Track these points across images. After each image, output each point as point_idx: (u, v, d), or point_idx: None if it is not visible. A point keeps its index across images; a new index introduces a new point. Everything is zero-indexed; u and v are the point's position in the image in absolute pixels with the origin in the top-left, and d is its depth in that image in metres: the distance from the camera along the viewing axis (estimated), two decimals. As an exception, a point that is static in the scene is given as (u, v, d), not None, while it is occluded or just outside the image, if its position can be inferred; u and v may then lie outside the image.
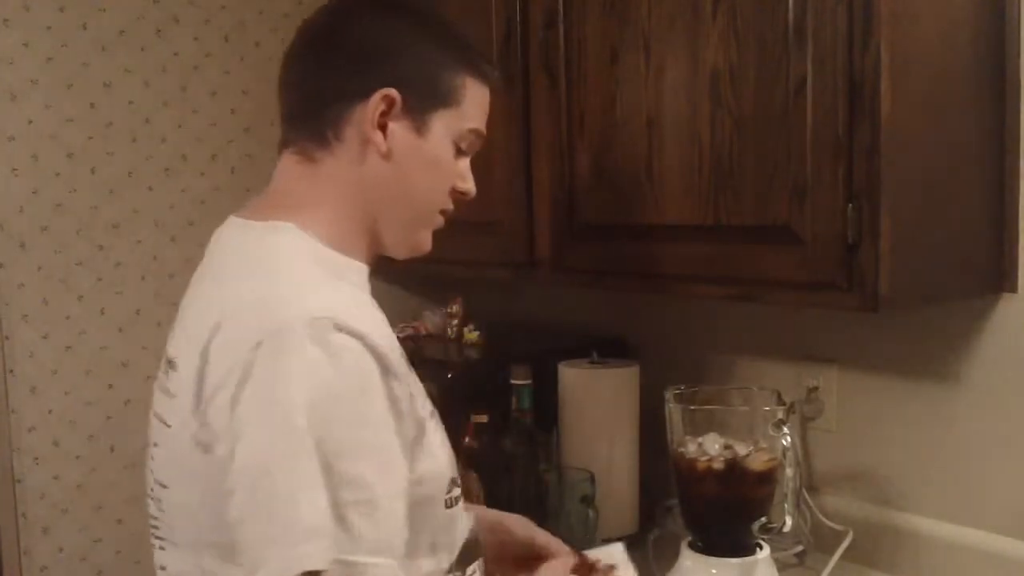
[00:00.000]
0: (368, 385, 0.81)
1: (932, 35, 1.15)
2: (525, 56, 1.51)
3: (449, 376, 1.66)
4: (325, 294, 0.87)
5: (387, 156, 0.94)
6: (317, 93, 0.96)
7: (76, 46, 2.02)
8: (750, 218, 1.20)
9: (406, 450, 0.84)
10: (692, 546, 1.29)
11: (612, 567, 1.11)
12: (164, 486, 0.89)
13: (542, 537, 1.13)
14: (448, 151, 0.98)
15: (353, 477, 0.78)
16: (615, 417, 1.61)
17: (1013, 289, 1.27)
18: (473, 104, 0.99)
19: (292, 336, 0.79)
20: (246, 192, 2.21)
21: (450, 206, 1.02)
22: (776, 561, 1.30)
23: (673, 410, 1.31)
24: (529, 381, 1.55)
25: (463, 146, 1.00)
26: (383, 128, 0.94)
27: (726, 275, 1.25)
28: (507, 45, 1.53)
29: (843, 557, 1.39)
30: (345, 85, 0.94)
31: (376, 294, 0.97)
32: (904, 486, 1.41)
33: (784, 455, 1.24)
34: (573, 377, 1.63)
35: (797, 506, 1.25)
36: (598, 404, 1.61)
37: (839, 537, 1.41)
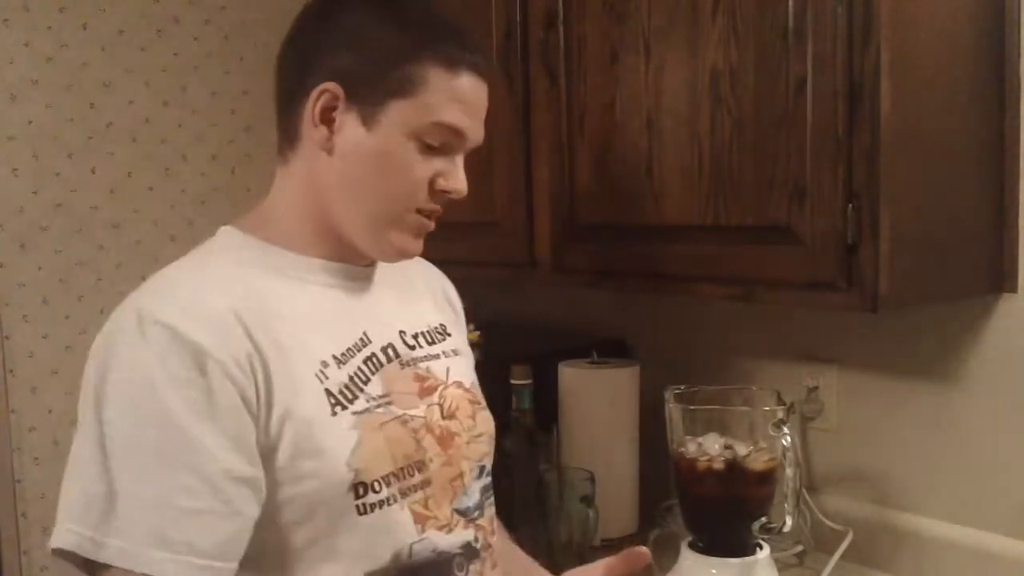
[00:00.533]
0: (166, 378, 0.81)
1: (932, 35, 1.15)
2: (525, 56, 1.51)
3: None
4: (167, 289, 0.89)
5: (331, 151, 0.94)
6: (281, 94, 0.99)
7: (76, 46, 2.02)
8: (750, 218, 1.20)
9: (233, 443, 0.83)
10: (692, 546, 1.29)
11: None
12: None
13: None
14: (402, 145, 0.92)
15: (120, 467, 0.81)
16: (615, 417, 1.61)
17: (1013, 289, 1.27)
18: (438, 94, 0.91)
19: (122, 331, 0.84)
20: (246, 192, 2.25)
21: (428, 205, 0.95)
22: (776, 561, 1.30)
23: (673, 410, 1.31)
24: (529, 381, 1.55)
25: (429, 140, 0.92)
26: (329, 123, 0.94)
27: (726, 275, 1.25)
28: (507, 45, 1.53)
29: (843, 557, 1.39)
30: (296, 84, 0.96)
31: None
32: (904, 486, 1.41)
33: (784, 455, 1.23)
34: (573, 377, 1.63)
35: (797, 506, 1.24)
36: (598, 404, 1.61)
37: (839, 537, 1.41)
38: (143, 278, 0.93)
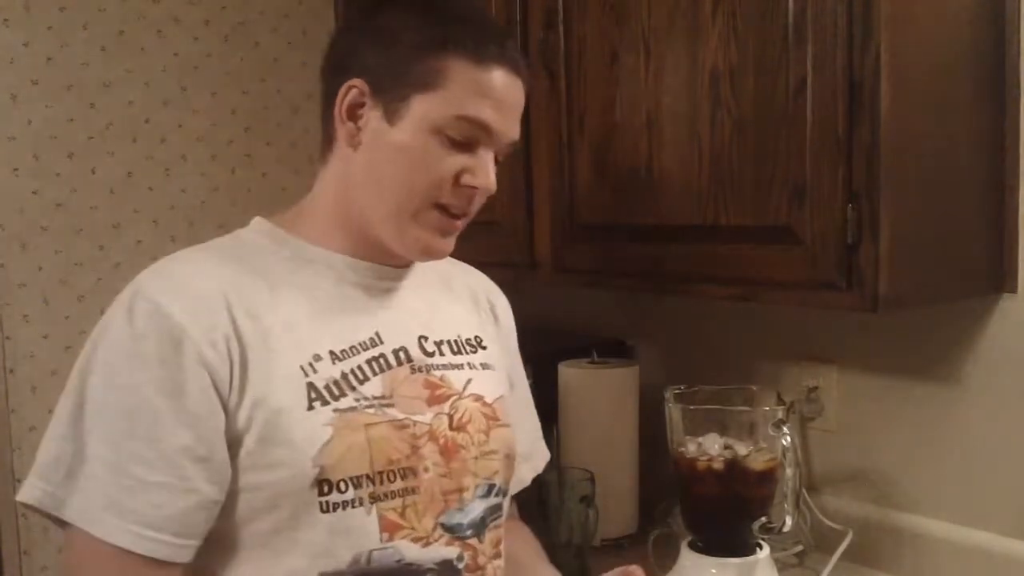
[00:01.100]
0: (142, 351, 0.85)
1: (932, 35, 1.15)
2: (525, 56, 1.51)
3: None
4: (166, 268, 0.93)
5: (357, 146, 0.95)
6: (323, 97, 0.99)
7: (76, 46, 2.02)
8: (750, 218, 1.20)
9: (196, 422, 0.85)
10: (692, 546, 1.29)
11: None
12: None
13: None
14: (425, 139, 0.92)
15: (91, 431, 0.85)
16: (615, 417, 1.61)
17: (1013, 289, 1.27)
18: (461, 87, 0.91)
19: (119, 304, 0.89)
20: (247, 192, 2.25)
21: (452, 201, 0.95)
22: (776, 561, 1.30)
23: (673, 410, 1.31)
24: (529, 381, 1.54)
25: (452, 135, 0.92)
26: (356, 119, 0.95)
27: (726, 275, 1.25)
28: (507, 45, 1.53)
29: (843, 557, 1.39)
30: (332, 84, 0.97)
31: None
32: (904, 486, 1.41)
33: (784, 455, 1.24)
34: (573, 377, 1.63)
35: (797, 506, 1.25)
36: (598, 404, 1.61)
37: (839, 537, 1.41)
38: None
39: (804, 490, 1.44)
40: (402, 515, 0.92)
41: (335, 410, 0.90)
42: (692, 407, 1.31)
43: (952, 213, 1.20)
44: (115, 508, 0.84)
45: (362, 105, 0.94)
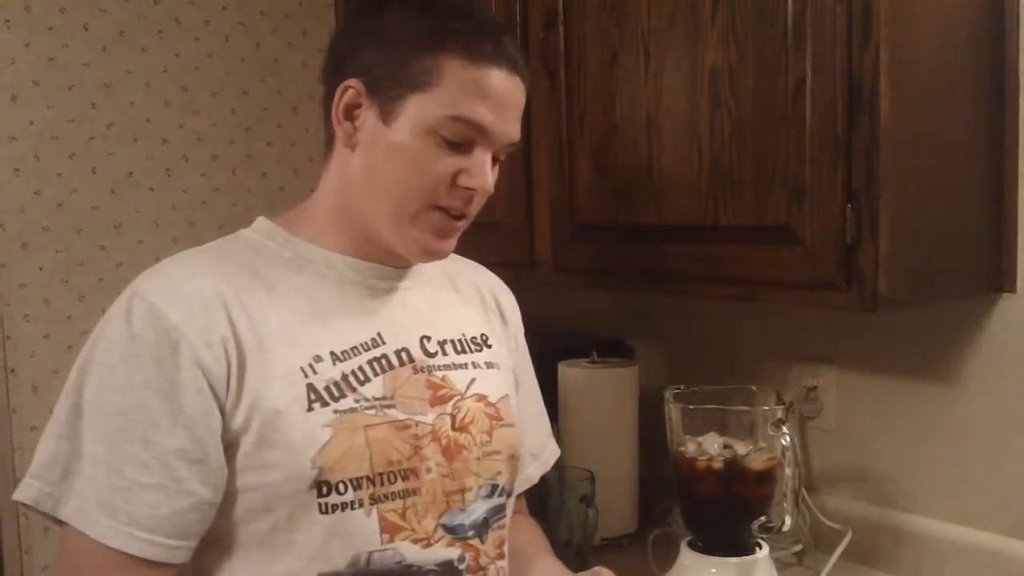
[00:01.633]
0: (139, 352, 0.85)
1: (931, 35, 1.15)
2: (525, 56, 1.51)
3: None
4: (165, 269, 0.93)
5: (354, 147, 0.96)
6: (323, 98, 1.00)
7: (77, 47, 2.02)
8: (749, 218, 1.21)
9: (191, 423, 0.85)
10: (692, 546, 1.29)
11: None
12: None
13: None
14: (419, 139, 0.91)
15: (87, 431, 0.85)
16: (615, 417, 1.61)
17: (1013, 289, 1.27)
18: (455, 87, 0.90)
19: (117, 305, 0.89)
20: (247, 192, 2.25)
21: (450, 203, 0.94)
22: (775, 560, 1.30)
23: (673, 410, 1.31)
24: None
25: (447, 135, 0.91)
26: (353, 120, 0.95)
27: (726, 275, 1.25)
28: (507, 45, 1.53)
29: (842, 556, 1.39)
30: (330, 85, 0.97)
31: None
32: (903, 486, 1.41)
33: (783, 454, 1.24)
34: (573, 377, 1.63)
35: (796, 505, 1.25)
36: (598, 404, 1.61)
37: (838, 536, 1.41)
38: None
39: (803, 490, 1.45)
40: (403, 516, 0.92)
41: (335, 411, 0.90)
42: (692, 407, 1.31)
43: (951, 213, 1.20)
44: (109, 509, 0.84)
45: (359, 105, 0.94)
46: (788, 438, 1.23)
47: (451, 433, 0.97)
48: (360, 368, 0.94)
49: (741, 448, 1.26)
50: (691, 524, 1.32)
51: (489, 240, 1.59)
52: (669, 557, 1.33)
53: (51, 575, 2.02)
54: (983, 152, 1.24)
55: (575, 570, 1.06)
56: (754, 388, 1.36)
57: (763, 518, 1.26)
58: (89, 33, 2.03)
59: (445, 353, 1.02)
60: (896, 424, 1.41)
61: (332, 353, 0.93)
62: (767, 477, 1.27)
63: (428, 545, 0.93)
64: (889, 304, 1.10)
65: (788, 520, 1.23)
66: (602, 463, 1.54)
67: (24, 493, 0.87)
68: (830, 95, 1.09)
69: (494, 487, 1.01)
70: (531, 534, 1.15)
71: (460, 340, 1.05)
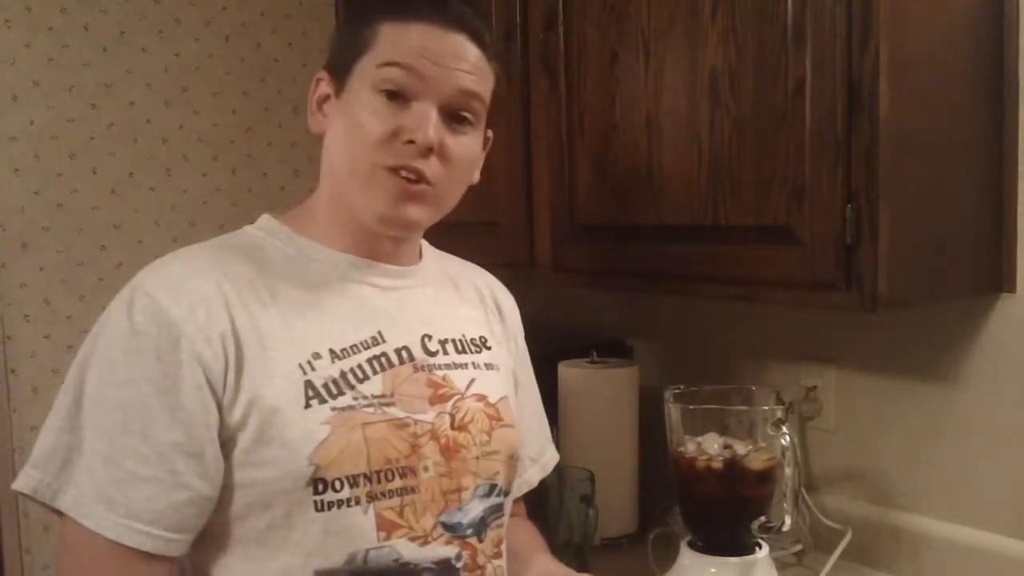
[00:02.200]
0: (140, 347, 0.86)
1: (931, 35, 1.15)
2: (525, 56, 1.52)
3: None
4: (166, 265, 0.93)
5: (326, 132, 0.99)
6: None
7: (77, 47, 2.02)
8: (749, 218, 1.21)
9: (189, 418, 0.86)
10: (692, 545, 1.29)
11: None
12: None
13: None
14: (364, 100, 0.93)
15: (88, 423, 0.86)
16: (615, 417, 1.61)
17: (1012, 289, 1.27)
18: (387, 42, 0.93)
19: (119, 300, 0.90)
20: (248, 192, 2.25)
21: (399, 161, 0.93)
22: (775, 560, 1.30)
23: (673, 410, 1.32)
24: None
25: (386, 87, 0.92)
26: (323, 111, 0.99)
27: (726, 275, 1.25)
28: (507, 45, 1.53)
29: (842, 556, 1.39)
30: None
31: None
32: (903, 486, 1.41)
33: (783, 454, 1.24)
34: (573, 377, 1.63)
35: (796, 505, 1.25)
36: (598, 404, 1.61)
37: (838, 536, 1.41)
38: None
39: (803, 489, 1.45)
40: (400, 514, 0.92)
41: (333, 408, 0.90)
42: (692, 407, 1.31)
43: (951, 213, 1.20)
44: (107, 501, 0.84)
45: (328, 96, 0.98)
46: (788, 438, 1.23)
47: (450, 432, 0.97)
48: (359, 366, 0.94)
49: (741, 448, 1.27)
50: (691, 524, 1.32)
51: (489, 240, 1.60)
52: (669, 557, 1.33)
53: (52, 574, 2.02)
54: (983, 152, 1.24)
55: (575, 570, 1.06)
56: (754, 388, 1.36)
57: (763, 518, 1.26)
58: (89, 33, 2.03)
59: (446, 352, 1.02)
60: (896, 424, 1.41)
61: (331, 351, 0.93)
62: (767, 477, 1.27)
63: (426, 543, 0.93)
64: (889, 304, 1.10)
65: (788, 520, 1.23)
66: (602, 463, 1.54)
67: (23, 483, 0.88)
68: (830, 95, 1.09)
69: (492, 487, 1.01)
70: (529, 535, 1.15)
71: (461, 340, 1.05)
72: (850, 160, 1.09)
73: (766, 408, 1.29)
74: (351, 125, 0.94)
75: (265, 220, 1.02)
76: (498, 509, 1.01)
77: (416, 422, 0.95)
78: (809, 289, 1.15)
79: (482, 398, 1.02)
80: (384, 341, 0.97)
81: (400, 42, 0.93)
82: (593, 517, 1.46)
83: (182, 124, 2.15)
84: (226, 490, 0.88)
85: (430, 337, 1.01)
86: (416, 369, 0.98)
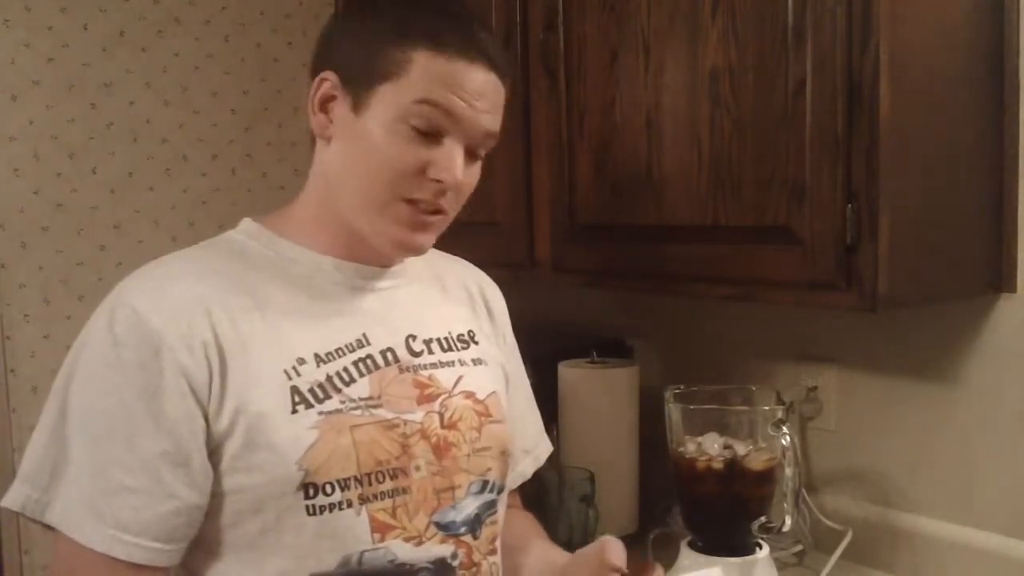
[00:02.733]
0: (122, 358, 0.85)
1: (931, 36, 1.15)
2: (525, 56, 1.52)
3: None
4: (147, 274, 0.93)
5: (328, 138, 0.96)
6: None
7: (77, 47, 2.02)
8: (749, 218, 1.21)
9: (174, 427, 0.85)
10: (692, 546, 1.29)
11: None
12: None
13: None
14: (389, 129, 0.91)
15: (73, 435, 0.86)
16: (615, 417, 1.61)
17: (1012, 289, 1.27)
18: (422, 75, 0.90)
19: (101, 310, 0.89)
20: (247, 192, 2.25)
21: (420, 195, 0.93)
22: (775, 560, 1.30)
23: (673, 410, 1.32)
24: (529, 380, 1.55)
25: (416, 123, 0.90)
26: (327, 112, 0.96)
27: (726, 275, 1.25)
28: (507, 46, 1.53)
29: (842, 556, 1.39)
30: (311, 80, 0.98)
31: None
32: (903, 486, 1.41)
33: (783, 455, 1.24)
34: (573, 377, 1.63)
35: (796, 505, 1.25)
36: (598, 404, 1.61)
37: (838, 536, 1.41)
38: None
39: (803, 490, 1.45)
40: (393, 515, 0.92)
41: (319, 413, 0.90)
42: (692, 407, 1.31)
43: (951, 213, 1.20)
44: (95, 513, 0.84)
45: (333, 98, 0.95)
46: (788, 438, 1.23)
47: (440, 431, 0.97)
48: (345, 369, 0.93)
49: (741, 448, 1.27)
50: (691, 524, 1.32)
51: (489, 240, 1.59)
52: (669, 557, 1.33)
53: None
54: (983, 152, 1.24)
55: None
56: (754, 388, 1.36)
57: (763, 518, 1.26)
58: (89, 33, 2.03)
59: (431, 352, 1.02)
60: (896, 424, 1.41)
61: (316, 355, 0.92)
62: (767, 477, 1.27)
63: (420, 543, 0.93)
64: (889, 304, 1.10)
65: (788, 520, 1.23)
66: (602, 463, 1.54)
67: (12, 499, 0.87)
68: (830, 95, 1.09)
69: (485, 483, 1.01)
70: (525, 524, 1.15)
71: (446, 338, 1.04)
72: (850, 160, 1.09)
73: (766, 408, 1.29)
74: (372, 150, 0.92)
75: (246, 224, 1.01)
76: (492, 505, 1.01)
77: (405, 422, 0.95)
78: (809, 289, 1.15)
79: (470, 395, 1.02)
80: (369, 343, 0.96)
81: (436, 78, 0.90)
82: (593, 517, 1.46)
83: (182, 124, 2.15)
84: (215, 497, 0.88)
85: (415, 337, 1.01)
86: (402, 370, 0.98)
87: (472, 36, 0.93)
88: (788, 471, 1.23)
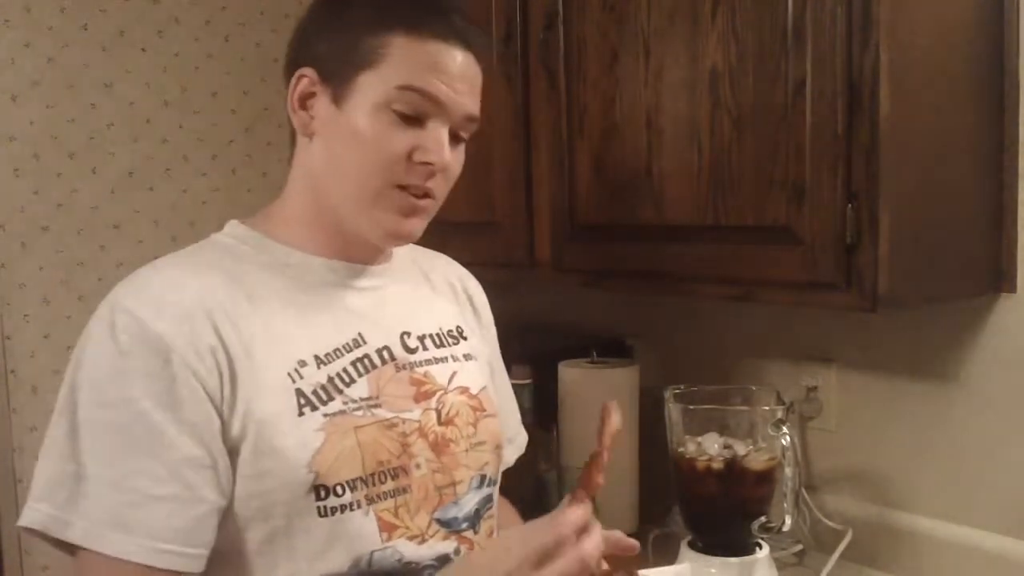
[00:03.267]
0: (130, 367, 0.84)
1: (931, 35, 1.15)
2: (525, 56, 1.52)
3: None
4: (143, 281, 0.91)
5: (312, 134, 0.96)
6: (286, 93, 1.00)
7: (77, 47, 2.02)
8: (749, 218, 1.21)
9: (195, 431, 0.84)
10: (692, 546, 1.29)
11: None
12: None
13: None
14: (372, 117, 0.91)
15: (88, 450, 0.83)
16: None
17: (1012, 289, 1.27)
18: (401, 60, 0.90)
19: (98, 319, 0.87)
20: (247, 192, 2.26)
21: (410, 180, 0.93)
22: (775, 560, 1.30)
23: (673, 410, 1.32)
24: (529, 381, 1.55)
25: (400, 108, 0.90)
26: (307, 109, 0.95)
27: (726, 275, 1.25)
28: (507, 45, 1.53)
29: (842, 556, 1.39)
30: (288, 77, 0.97)
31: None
32: (903, 486, 1.41)
33: (783, 455, 1.24)
34: (573, 377, 1.63)
35: (796, 505, 1.25)
36: (598, 404, 1.60)
37: (838, 536, 1.41)
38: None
39: (803, 489, 1.45)
40: (395, 515, 0.92)
41: (324, 415, 0.90)
42: (692, 407, 1.31)
43: (951, 213, 1.20)
44: (122, 526, 0.82)
45: (312, 94, 0.95)
46: (788, 438, 1.23)
47: (437, 428, 0.98)
48: (344, 370, 0.93)
49: (741, 448, 1.27)
50: (691, 524, 1.32)
51: (489, 240, 1.59)
52: (669, 557, 1.33)
53: (51, 575, 2.02)
54: (983, 152, 1.24)
55: None
56: (754, 388, 1.36)
57: (763, 518, 1.26)
58: (89, 33, 2.03)
59: (425, 348, 1.02)
60: (896, 424, 1.41)
61: (316, 357, 0.92)
62: (767, 477, 1.27)
63: (423, 541, 0.94)
64: (889, 304, 1.10)
65: (788, 520, 1.23)
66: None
67: (30, 518, 0.84)
68: (830, 95, 1.09)
69: (483, 477, 1.01)
70: (504, 510, 1.15)
71: (438, 334, 1.05)
72: (850, 160, 1.09)
73: (766, 408, 1.29)
74: (358, 140, 0.92)
75: (233, 226, 1.00)
76: (489, 499, 1.03)
77: (404, 421, 0.95)
78: (809, 289, 1.15)
79: (465, 390, 1.03)
80: (365, 343, 0.96)
81: (416, 62, 0.91)
82: (593, 517, 1.46)
83: (182, 124, 2.15)
84: (228, 501, 0.87)
85: (409, 334, 1.01)
86: (398, 368, 0.98)
87: (447, 19, 0.93)
88: (788, 471, 1.23)
